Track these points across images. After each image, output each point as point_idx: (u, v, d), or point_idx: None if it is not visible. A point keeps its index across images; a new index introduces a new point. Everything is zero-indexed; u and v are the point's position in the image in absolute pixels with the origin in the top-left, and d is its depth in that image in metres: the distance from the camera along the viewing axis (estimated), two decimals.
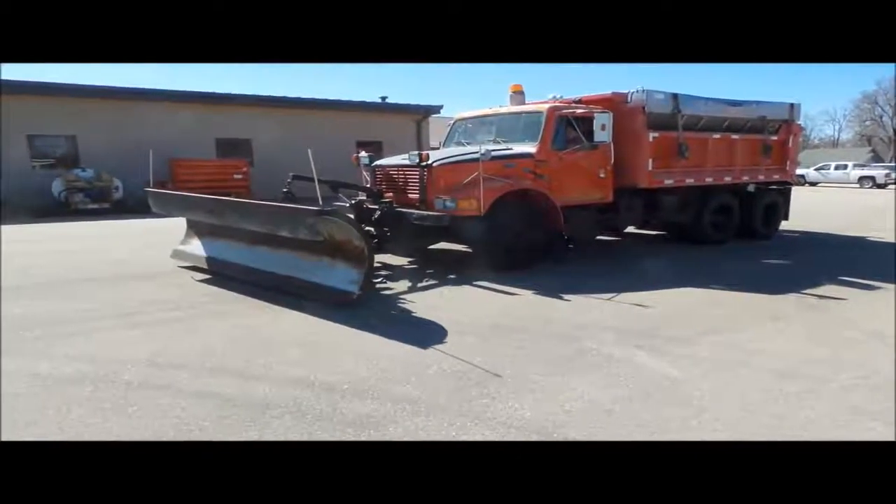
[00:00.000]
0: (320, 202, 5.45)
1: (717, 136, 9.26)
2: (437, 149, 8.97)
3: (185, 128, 19.42)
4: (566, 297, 5.95)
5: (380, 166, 8.01)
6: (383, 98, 25.26)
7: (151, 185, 7.58)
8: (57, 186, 16.47)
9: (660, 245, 9.85)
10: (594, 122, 7.45)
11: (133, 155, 16.50)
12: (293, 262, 5.96)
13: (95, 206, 16.33)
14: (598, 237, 9.16)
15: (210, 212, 6.53)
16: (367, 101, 24.57)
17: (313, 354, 4.20)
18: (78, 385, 3.59)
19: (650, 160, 8.36)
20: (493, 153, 6.91)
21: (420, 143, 24.55)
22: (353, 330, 4.79)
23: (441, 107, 25.14)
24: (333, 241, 5.45)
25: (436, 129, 25.56)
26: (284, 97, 22.24)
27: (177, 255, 7.48)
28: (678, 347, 4.41)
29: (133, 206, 15.66)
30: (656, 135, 8.38)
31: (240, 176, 19.03)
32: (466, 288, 6.41)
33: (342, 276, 5.47)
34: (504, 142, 7.89)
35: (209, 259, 6.99)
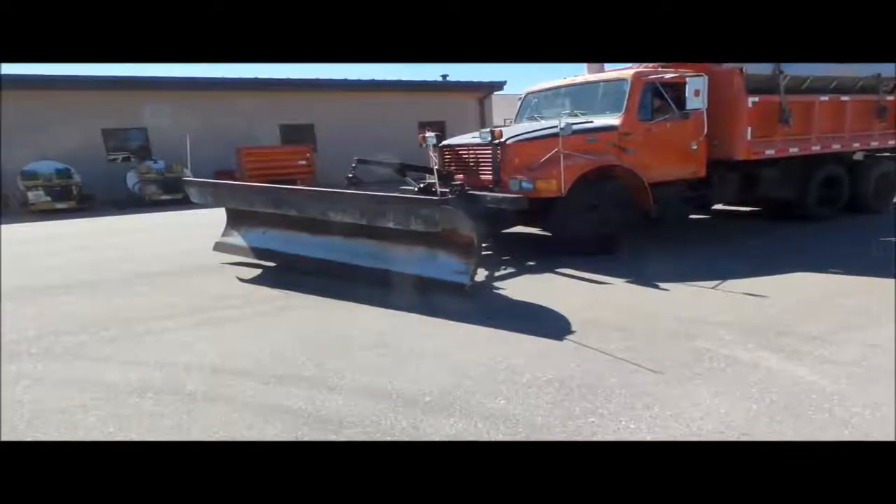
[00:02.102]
0: (438, 191, 5.13)
1: (824, 98, 8.20)
2: (504, 126, 8.34)
3: (250, 115, 19.58)
4: (664, 285, 5.30)
5: (448, 146, 7.52)
6: (444, 76, 24.71)
7: (190, 174, 6.82)
8: (131, 179, 16.94)
9: (755, 223, 8.91)
10: (686, 87, 6.63)
11: (201, 145, 16.76)
12: (375, 252, 5.61)
13: (168, 196, 16.66)
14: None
15: (282, 203, 6.03)
16: (428, 80, 24.10)
17: (390, 358, 3.79)
18: (141, 396, 3.32)
19: (749, 129, 7.47)
20: (574, 127, 6.26)
21: (483, 121, 23.90)
22: (431, 328, 4.36)
23: (504, 83, 24.38)
24: (439, 231, 5.09)
25: (499, 107, 24.82)
26: (345, 80, 22.05)
27: (220, 247, 6.85)
28: (813, 347, 3.73)
29: None
30: (755, 100, 7.47)
31: (304, 162, 19.03)
32: (549, 276, 5.85)
33: (447, 267, 5.15)
34: (582, 114, 7.22)
35: (266, 252, 6.51)
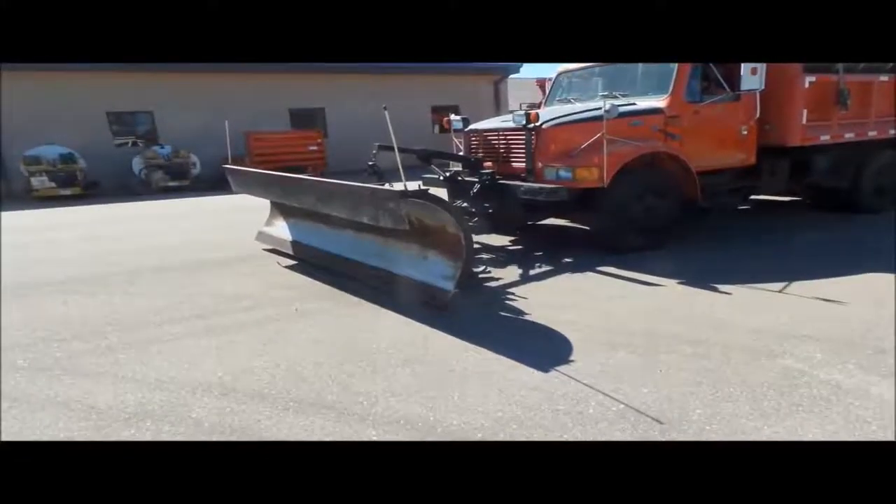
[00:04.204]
0: (403, 180, 4.31)
1: (883, 78, 7.52)
2: (515, 111, 7.71)
3: (259, 99, 19.01)
4: (722, 288, 4.73)
5: (475, 131, 6.92)
6: None
7: (230, 161, 6.96)
8: (137, 164, 16.44)
9: (800, 214, 8.26)
10: (742, 65, 6.00)
11: (209, 129, 16.23)
12: (380, 250, 5.07)
13: (175, 183, 16.17)
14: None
15: (281, 191, 5.90)
16: (441, 63, 23.33)
17: (425, 379, 3.26)
18: (137, 425, 2.82)
19: (804, 111, 6.83)
20: (620, 110, 5.66)
21: (499, 105, 23.20)
22: (465, 341, 3.80)
23: (520, 66, 23.54)
24: (424, 227, 4.44)
25: (514, 91, 24.10)
26: (356, 63, 21.34)
27: (261, 237, 6.88)
28: None
29: (211, 182, 15.42)
30: (812, 79, 6.81)
31: (315, 147, 18.44)
32: (591, 276, 5.30)
33: (435, 270, 4.46)
34: (622, 95, 6.60)
35: (294, 243, 6.27)
